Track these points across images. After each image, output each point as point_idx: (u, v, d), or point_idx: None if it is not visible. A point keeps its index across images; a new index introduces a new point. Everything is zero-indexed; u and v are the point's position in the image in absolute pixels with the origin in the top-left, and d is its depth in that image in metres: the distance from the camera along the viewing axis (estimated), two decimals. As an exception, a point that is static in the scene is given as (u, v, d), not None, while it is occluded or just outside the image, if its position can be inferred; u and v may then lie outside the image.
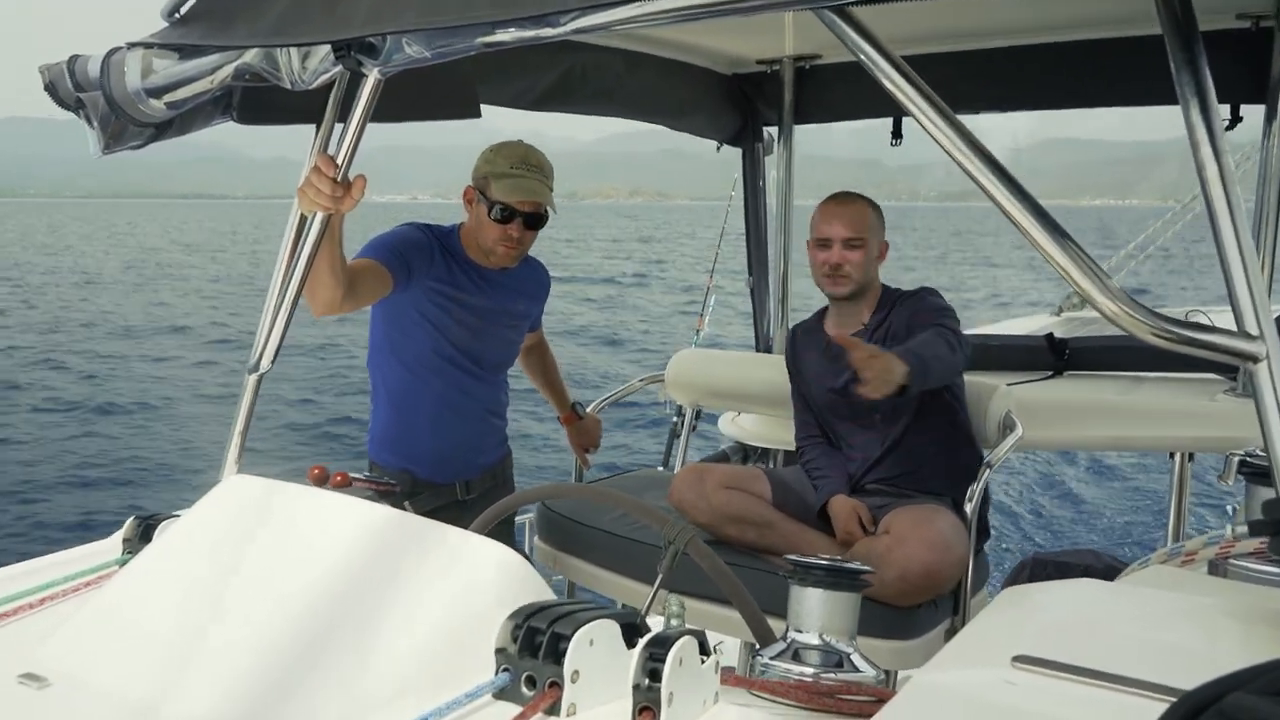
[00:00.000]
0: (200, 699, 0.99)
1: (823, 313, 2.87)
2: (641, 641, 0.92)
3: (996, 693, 0.91)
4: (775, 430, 3.69)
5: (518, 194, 2.57)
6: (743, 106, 3.77)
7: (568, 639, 0.92)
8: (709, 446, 4.32)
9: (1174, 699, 0.81)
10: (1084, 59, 3.01)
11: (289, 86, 1.60)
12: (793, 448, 3.26)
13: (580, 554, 2.77)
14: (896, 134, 3.54)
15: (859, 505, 2.51)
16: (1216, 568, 1.41)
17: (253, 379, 1.83)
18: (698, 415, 3.90)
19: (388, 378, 2.74)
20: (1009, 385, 2.93)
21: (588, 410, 3.29)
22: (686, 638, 0.93)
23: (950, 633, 2.46)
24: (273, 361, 1.83)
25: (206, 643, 1.05)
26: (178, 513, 1.54)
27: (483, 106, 2.59)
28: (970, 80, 3.15)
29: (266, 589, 1.11)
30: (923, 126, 1.08)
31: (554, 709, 0.91)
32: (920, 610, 2.29)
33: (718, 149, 3.87)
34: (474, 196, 2.64)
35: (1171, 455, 3.47)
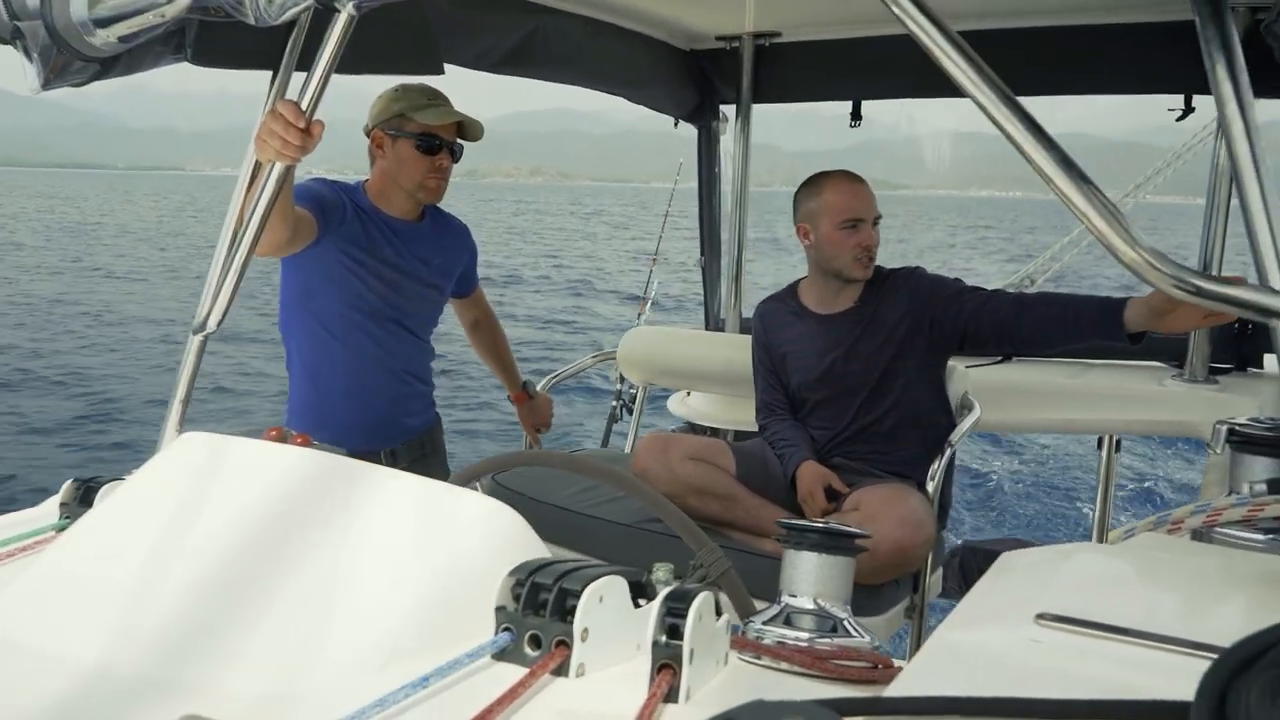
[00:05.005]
0: (166, 663, 0.90)
1: (794, 288, 2.81)
2: (661, 594, 0.87)
3: (1024, 651, 0.88)
4: (726, 410, 3.66)
5: (445, 118, 2.49)
6: (700, 83, 3.73)
7: (576, 596, 0.87)
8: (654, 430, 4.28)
9: (1210, 654, 0.78)
10: (1083, 45, 2.97)
11: (252, 22, 1.50)
12: (743, 428, 3.22)
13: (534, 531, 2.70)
14: (856, 115, 3.53)
15: (828, 472, 2.48)
16: (1201, 536, 1.41)
17: (197, 340, 1.72)
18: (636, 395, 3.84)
19: (300, 339, 2.61)
20: (966, 368, 2.95)
21: (538, 389, 3.23)
22: (706, 594, 0.87)
23: (910, 609, 2.46)
24: (220, 322, 1.72)
25: (171, 605, 0.97)
26: (122, 476, 1.44)
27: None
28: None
29: (235, 549, 1.02)
30: (966, 91, 1.04)
31: (562, 669, 0.85)
32: (884, 587, 2.28)
33: (675, 125, 3.83)
34: (384, 140, 2.54)
35: (1100, 443, 3.53)
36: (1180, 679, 0.73)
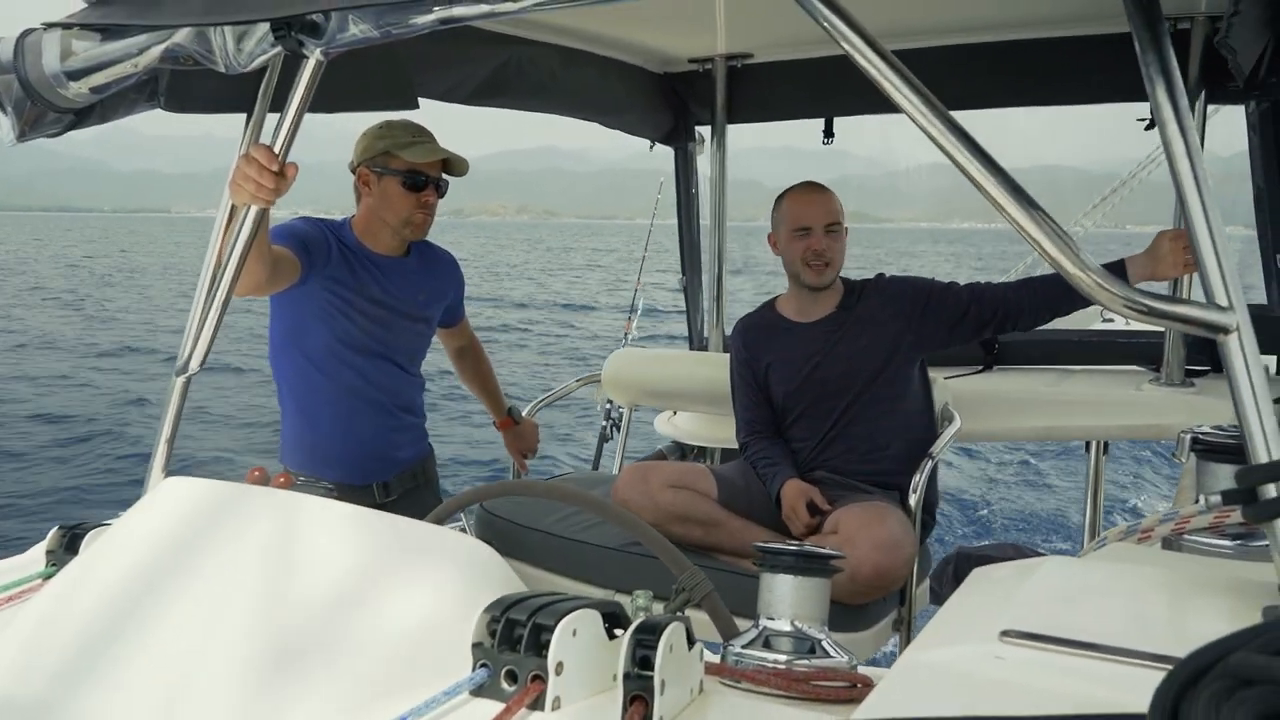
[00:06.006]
0: (153, 711, 0.92)
1: (772, 304, 2.86)
2: (631, 627, 0.89)
3: (988, 668, 0.90)
4: (712, 429, 3.68)
5: (431, 155, 2.51)
6: (675, 105, 3.77)
7: (550, 630, 0.88)
8: (643, 448, 4.30)
9: (1168, 666, 0.81)
10: (1048, 57, 3.03)
11: (222, 70, 1.52)
12: (729, 445, 3.24)
13: (521, 557, 2.71)
14: (828, 133, 3.57)
15: (810, 489, 2.51)
16: (1171, 544, 1.43)
17: (180, 381, 1.73)
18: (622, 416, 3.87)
19: (290, 375, 2.62)
20: (945, 379, 2.98)
21: (524, 414, 3.24)
22: (676, 624, 0.89)
23: (898, 623, 2.47)
24: (202, 363, 1.74)
25: (157, 651, 0.98)
26: (107, 521, 1.45)
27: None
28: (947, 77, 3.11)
29: (219, 593, 1.04)
30: (910, 116, 1.09)
31: (538, 703, 0.87)
32: (869, 604, 2.30)
33: (650, 148, 3.87)
34: (370, 178, 2.55)
35: (1088, 447, 3.56)
36: (1139, 692, 0.75)
